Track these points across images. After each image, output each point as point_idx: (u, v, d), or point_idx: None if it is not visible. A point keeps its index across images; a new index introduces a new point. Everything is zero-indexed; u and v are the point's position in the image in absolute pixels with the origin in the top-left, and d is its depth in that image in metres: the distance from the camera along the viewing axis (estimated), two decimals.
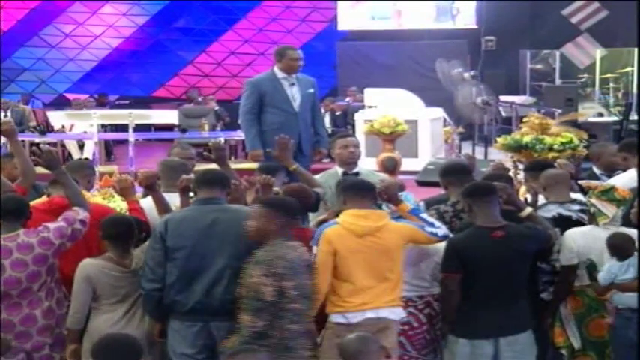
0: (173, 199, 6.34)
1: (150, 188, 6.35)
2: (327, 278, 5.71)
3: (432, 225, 5.91)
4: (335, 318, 5.74)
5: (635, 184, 6.84)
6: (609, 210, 6.16)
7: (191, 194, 6.19)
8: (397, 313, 5.81)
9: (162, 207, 6.25)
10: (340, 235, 5.74)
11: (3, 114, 17.40)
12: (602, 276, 5.98)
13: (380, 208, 6.08)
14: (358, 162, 7.58)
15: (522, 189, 7.31)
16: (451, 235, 5.97)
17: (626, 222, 6.20)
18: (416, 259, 6.04)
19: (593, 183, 6.67)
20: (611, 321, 6.02)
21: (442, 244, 5.90)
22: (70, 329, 5.82)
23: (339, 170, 7.43)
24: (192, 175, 6.47)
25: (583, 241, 6.13)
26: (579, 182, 7.06)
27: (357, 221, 5.76)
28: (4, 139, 13.99)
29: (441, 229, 5.92)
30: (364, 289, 5.70)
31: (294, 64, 9.04)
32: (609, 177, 7.75)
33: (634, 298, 5.88)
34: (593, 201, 6.24)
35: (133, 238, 5.91)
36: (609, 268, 5.93)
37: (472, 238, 5.80)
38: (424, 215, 6.02)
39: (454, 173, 6.60)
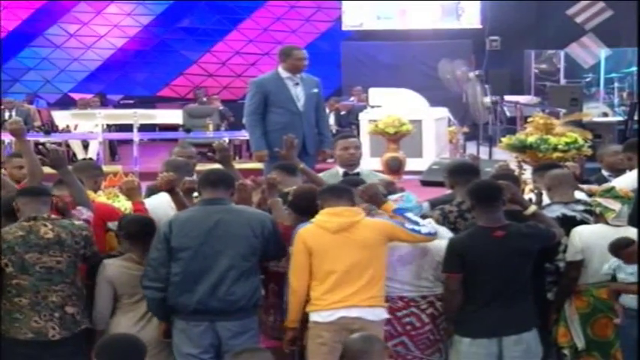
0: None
1: (171, 191, 6.33)
2: (305, 277, 5.71)
3: (415, 223, 5.85)
4: (312, 317, 5.72)
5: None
6: (615, 205, 6.18)
7: (195, 194, 6.20)
8: (377, 314, 5.74)
9: (183, 208, 6.22)
10: (314, 234, 5.73)
11: (8, 113, 17.43)
12: (606, 266, 6.02)
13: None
14: (359, 163, 7.58)
15: (527, 188, 7.32)
16: (437, 232, 5.94)
17: (632, 222, 6.20)
18: (411, 258, 6.01)
19: (594, 187, 6.71)
20: (619, 321, 6.02)
21: (444, 244, 5.89)
22: (94, 330, 5.84)
23: (340, 170, 7.44)
24: (194, 175, 6.47)
25: (589, 238, 6.14)
26: (582, 187, 7.07)
27: (330, 218, 5.75)
28: (8, 139, 14.08)
29: (425, 227, 5.84)
30: (339, 286, 5.67)
31: (300, 64, 9.03)
32: (617, 178, 7.75)
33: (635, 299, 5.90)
34: (598, 200, 6.26)
35: (153, 237, 5.91)
36: (618, 264, 5.97)
37: (473, 237, 5.80)
38: (409, 214, 5.94)
39: (461, 173, 6.58)
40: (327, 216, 5.77)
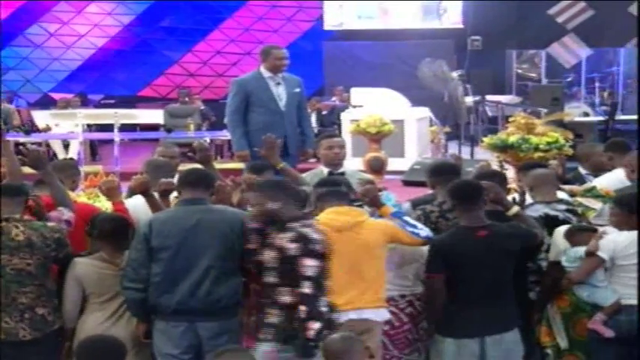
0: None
1: (144, 194, 6.31)
2: None
3: (414, 226, 5.90)
4: None
5: (620, 185, 6.88)
6: (595, 205, 6.20)
7: (175, 194, 6.17)
8: (380, 315, 5.78)
9: (159, 210, 6.19)
10: None
11: None
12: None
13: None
14: (343, 162, 7.57)
15: (514, 186, 7.33)
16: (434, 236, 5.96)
17: None
18: (401, 262, 6.01)
19: (575, 187, 6.72)
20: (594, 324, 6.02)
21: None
22: (63, 328, 5.81)
23: (325, 170, 7.42)
24: (175, 176, 6.44)
25: None
26: (564, 187, 7.07)
27: (336, 217, 5.75)
28: None
29: (423, 231, 5.90)
30: (345, 288, 5.65)
31: (279, 64, 9.01)
32: (596, 177, 7.76)
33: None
34: (579, 199, 6.28)
35: (127, 236, 5.87)
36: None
37: (455, 238, 5.80)
38: (406, 217, 6.01)
39: (442, 173, 6.58)
40: (333, 214, 5.77)
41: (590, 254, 5.91)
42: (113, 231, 5.86)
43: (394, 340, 6.03)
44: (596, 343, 5.97)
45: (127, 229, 5.92)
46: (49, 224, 5.76)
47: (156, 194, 6.29)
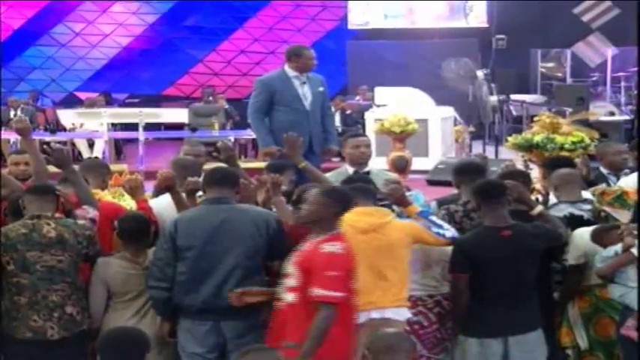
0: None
1: (170, 190, 6.32)
2: None
3: (440, 227, 5.88)
4: None
5: None
6: (623, 216, 6.12)
7: (200, 193, 6.18)
8: (402, 314, 5.77)
9: (184, 208, 6.21)
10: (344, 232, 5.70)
11: (13, 112, 17.45)
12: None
13: (390, 208, 6.06)
14: (369, 161, 7.56)
15: (538, 186, 7.29)
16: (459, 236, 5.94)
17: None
18: (429, 262, 6.00)
19: (600, 188, 6.63)
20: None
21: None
22: (89, 328, 5.83)
23: (350, 169, 7.40)
24: (201, 175, 6.45)
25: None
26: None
27: (361, 217, 5.73)
28: (13, 138, 14.10)
29: (449, 231, 5.87)
30: (368, 288, 5.64)
31: (311, 64, 8.98)
32: (616, 176, 7.71)
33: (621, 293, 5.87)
34: (606, 208, 6.21)
35: (148, 236, 5.90)
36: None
37: (480, 237, 5.79)
38: (433, 217, 5.99)
39: (467, 172, 6.56)
40: (358, 215, 5.73)
41: (626, 250, 5.85)
42: (133, 230, 5.89)
43: (423, 340, 6.03)
44: (628, 347, 5.91)
45: (147, 228, 5.93)
46: (80, 222, 5.78)
47: (183, 193, 6.30)
